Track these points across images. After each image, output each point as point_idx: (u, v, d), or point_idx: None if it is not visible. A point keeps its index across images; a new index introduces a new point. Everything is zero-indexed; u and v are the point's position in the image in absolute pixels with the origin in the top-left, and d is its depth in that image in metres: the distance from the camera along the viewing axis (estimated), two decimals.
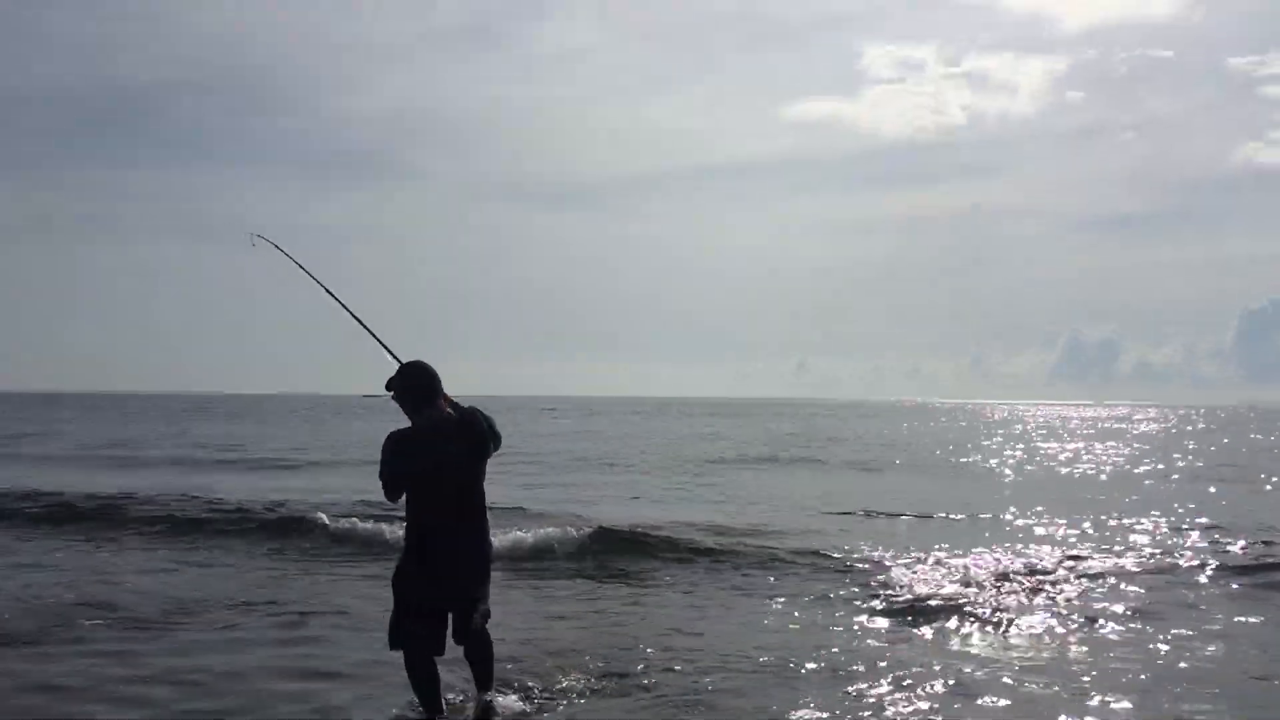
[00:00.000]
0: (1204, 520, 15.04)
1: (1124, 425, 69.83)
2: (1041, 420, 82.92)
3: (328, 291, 6.26)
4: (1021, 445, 41.41)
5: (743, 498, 19.16)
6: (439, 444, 5.49)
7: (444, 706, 5.65)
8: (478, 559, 5.61)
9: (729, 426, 59.50)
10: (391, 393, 5.63)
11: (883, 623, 8.21)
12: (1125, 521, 14.87)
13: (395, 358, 5.77)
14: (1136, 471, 27.00)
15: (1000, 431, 56.64)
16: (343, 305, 6.21)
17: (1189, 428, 65.44)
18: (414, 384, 5.58)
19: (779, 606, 8.90)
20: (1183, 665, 6.96)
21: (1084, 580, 9.86)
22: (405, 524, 5.68)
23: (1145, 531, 13.82)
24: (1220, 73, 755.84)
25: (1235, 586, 9.78)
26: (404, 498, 5.54)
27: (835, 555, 11.26)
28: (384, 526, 12.59)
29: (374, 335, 6.02)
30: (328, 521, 13.38)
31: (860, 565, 10.76)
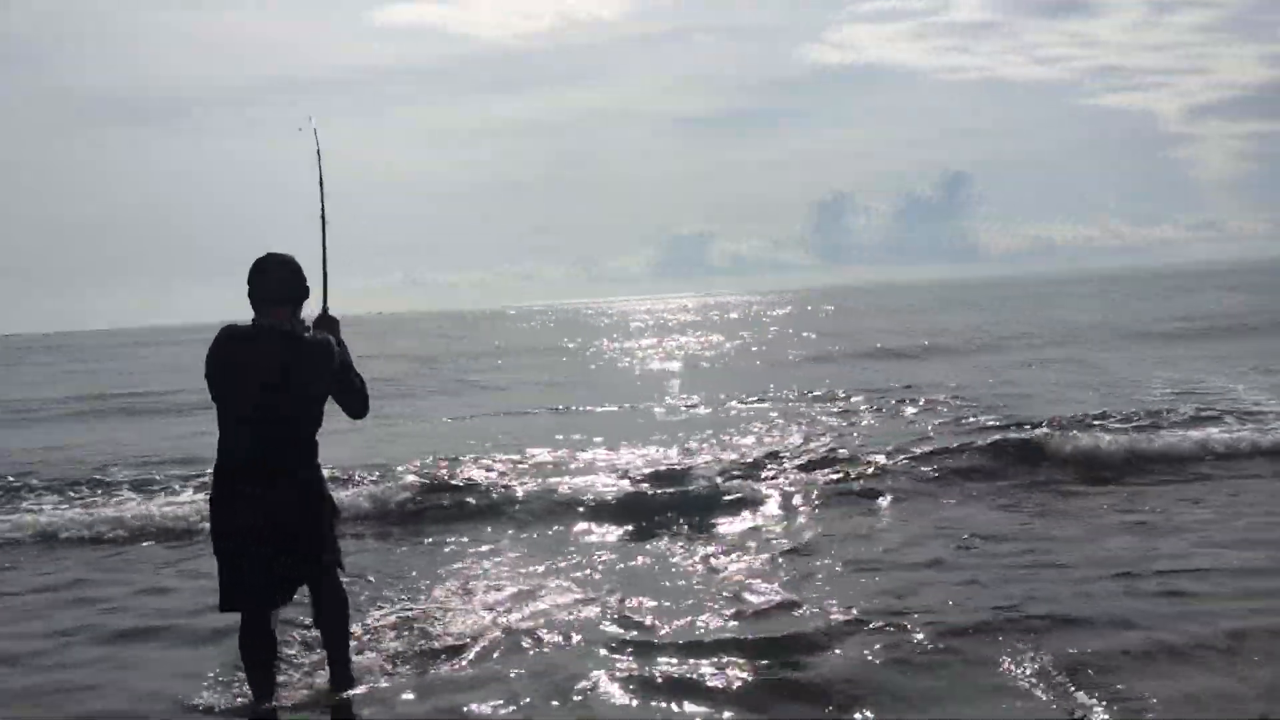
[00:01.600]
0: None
1: (718, 314, 76.12)
2: (647, 313, 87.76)
3: (322, 217, 5.19)
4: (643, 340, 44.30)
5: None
6: (241, 360, 4.61)
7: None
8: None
9: None
10: None
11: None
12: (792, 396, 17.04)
13: (325, 306, 4.99)
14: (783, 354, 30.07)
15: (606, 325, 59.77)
16: (324, 236, 5.15)
17: (774, 311, 72.47)
18: (253, 278, 4.69)
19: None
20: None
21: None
22: None
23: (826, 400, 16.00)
24: None
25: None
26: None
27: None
28: None
29: (325, 275, 5.07)
30: None
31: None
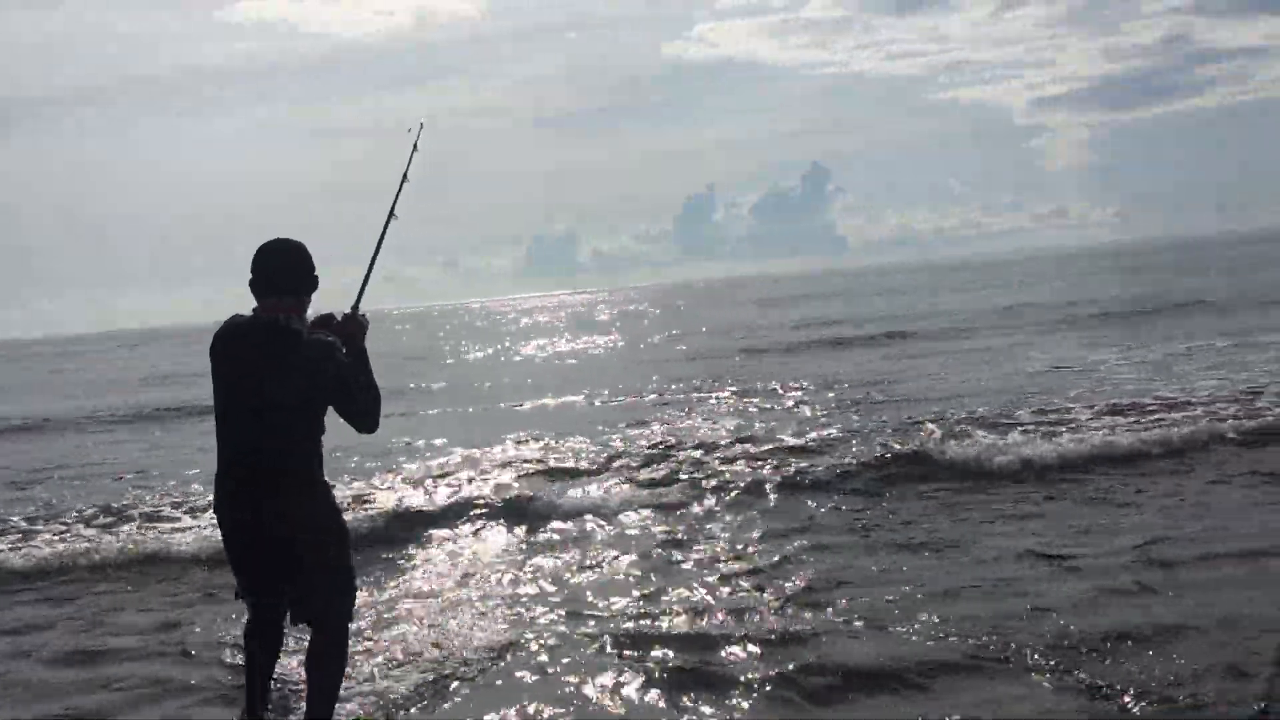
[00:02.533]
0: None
1: (591, 310, 76.01)
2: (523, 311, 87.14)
3: (391, 212, 4.88)
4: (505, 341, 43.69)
5: None
6: (231, 354, 4.24)
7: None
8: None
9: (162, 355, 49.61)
10: None
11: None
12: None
13: (356, 305, 4.51)
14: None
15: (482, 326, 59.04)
16: (384, 232, 4.83)
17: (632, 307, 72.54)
18: (253, 265, 4.27)
19: None
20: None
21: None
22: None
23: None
24: None
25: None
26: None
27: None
28: None
29: (369, 271, 4.76)
30: None
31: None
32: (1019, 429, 10.51)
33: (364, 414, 4.27)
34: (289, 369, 4.12)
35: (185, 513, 9.67)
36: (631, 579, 6.61)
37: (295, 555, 4.19)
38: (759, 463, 9.84)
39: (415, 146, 5.03)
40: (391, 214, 4.82)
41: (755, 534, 7.52)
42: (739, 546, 7.20)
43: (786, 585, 6.16)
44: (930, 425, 10.90)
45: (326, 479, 4.35)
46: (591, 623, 5.75)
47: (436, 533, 8.40)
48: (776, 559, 6.78)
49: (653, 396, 16.92)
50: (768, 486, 8.95)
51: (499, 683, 5.00)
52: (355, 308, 4.48)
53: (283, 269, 4.23)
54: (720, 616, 5.68)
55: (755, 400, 15.16)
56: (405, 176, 4.95)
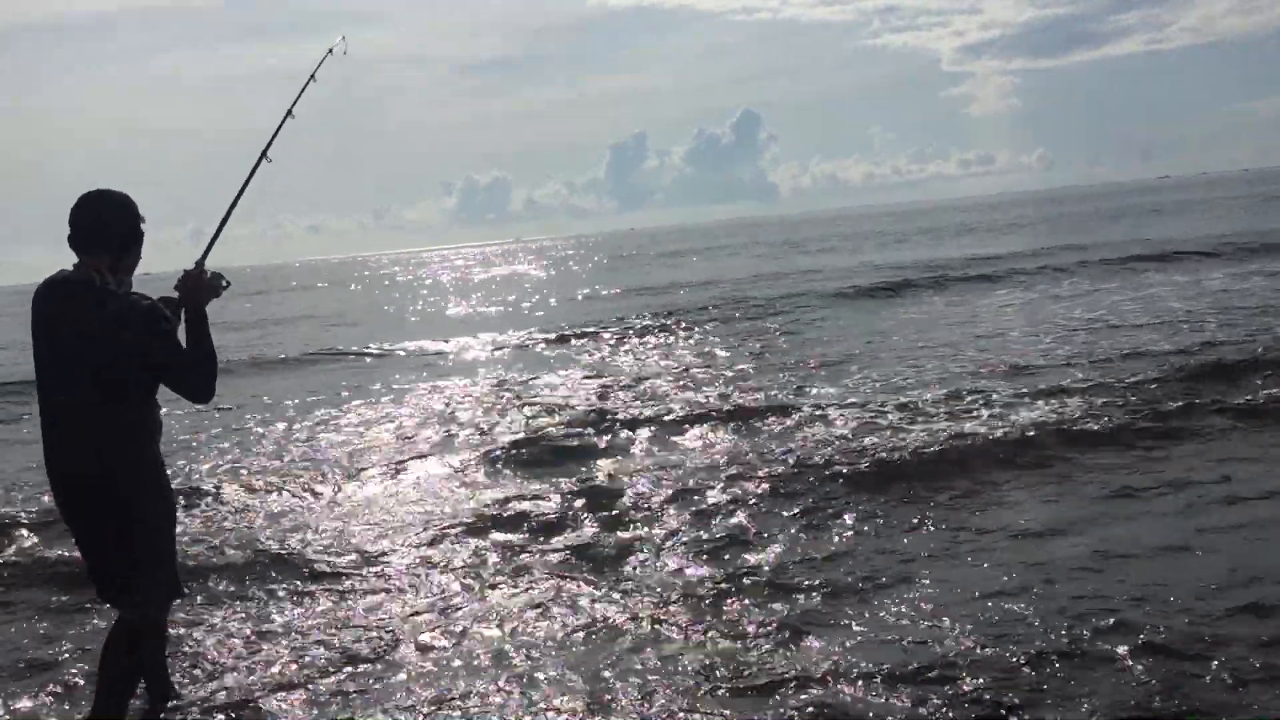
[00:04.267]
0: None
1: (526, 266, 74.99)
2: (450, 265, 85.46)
3: (264, 153, 4.49)
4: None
5: None
6: (41, 311, 3.90)
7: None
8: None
9: None
10: None
11: None
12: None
13: (201, 261, 4.12)
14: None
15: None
16: (249, 178, 4.47)
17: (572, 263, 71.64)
18: (69, 219, 3.93)
19: None
20: None
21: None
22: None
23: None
24: None
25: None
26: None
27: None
28: None
29: (223, 223, 4.42)
30: None
31: None
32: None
33: (192, 389, 3.93)
34: (87, 331, 3.79)
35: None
36: None
37: (99, 527, 3.88)
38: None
39: (313, 77, 4.81)
40: (264, 155, 4.47)
41: None
42: None
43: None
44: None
45: (154, 446, 3.97)
46: None
47: None
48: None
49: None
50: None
51: None
52: (200, 264, 4.10)
53: (93, 224, 3.89)
54: None
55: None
56: (290, 112, 4.66)
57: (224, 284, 4.12)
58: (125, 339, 3.78)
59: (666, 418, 9.75)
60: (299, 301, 44.71)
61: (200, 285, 4.02)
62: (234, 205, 4.45)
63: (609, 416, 10.01)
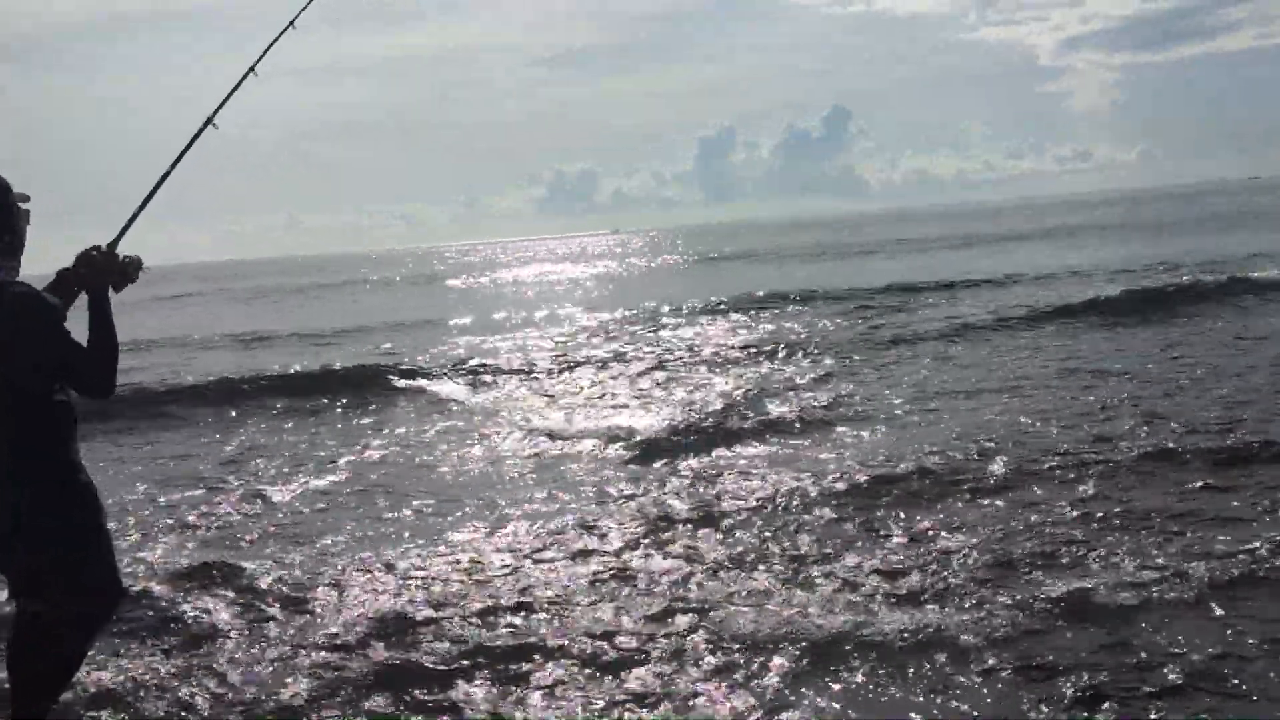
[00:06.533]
0: None
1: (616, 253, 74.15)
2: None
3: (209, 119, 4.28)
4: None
5: None
6: None
7: None
8: None
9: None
10: None
11: None
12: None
13: (115, 241, 3.77)
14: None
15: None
16: (184, 150, 4.22)
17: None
18: None
19: None
20: None
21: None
22: None
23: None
24: None
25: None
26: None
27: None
28: None
29: (145, 201, 4.04)
30: None
31: None
32: None
33: (87, 379, 3.50)
34: None
35: None
36: None
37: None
38: None
39: (293, 24, 4.61)
40: (210, 121, 4.23)
41: None
42: None
43: None
44: None
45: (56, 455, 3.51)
46: None
47: None
48: None
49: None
50: None
51: None
52: (113, 245, 3.70)
53: None
54: None
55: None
56: (252, 70, 4.41)
57: (140, 269, 3.72)
58: (34, 332, 3.38)
59: None
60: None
61: (98, 269, 3.60)
62: (164, 178, 4.05)
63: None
